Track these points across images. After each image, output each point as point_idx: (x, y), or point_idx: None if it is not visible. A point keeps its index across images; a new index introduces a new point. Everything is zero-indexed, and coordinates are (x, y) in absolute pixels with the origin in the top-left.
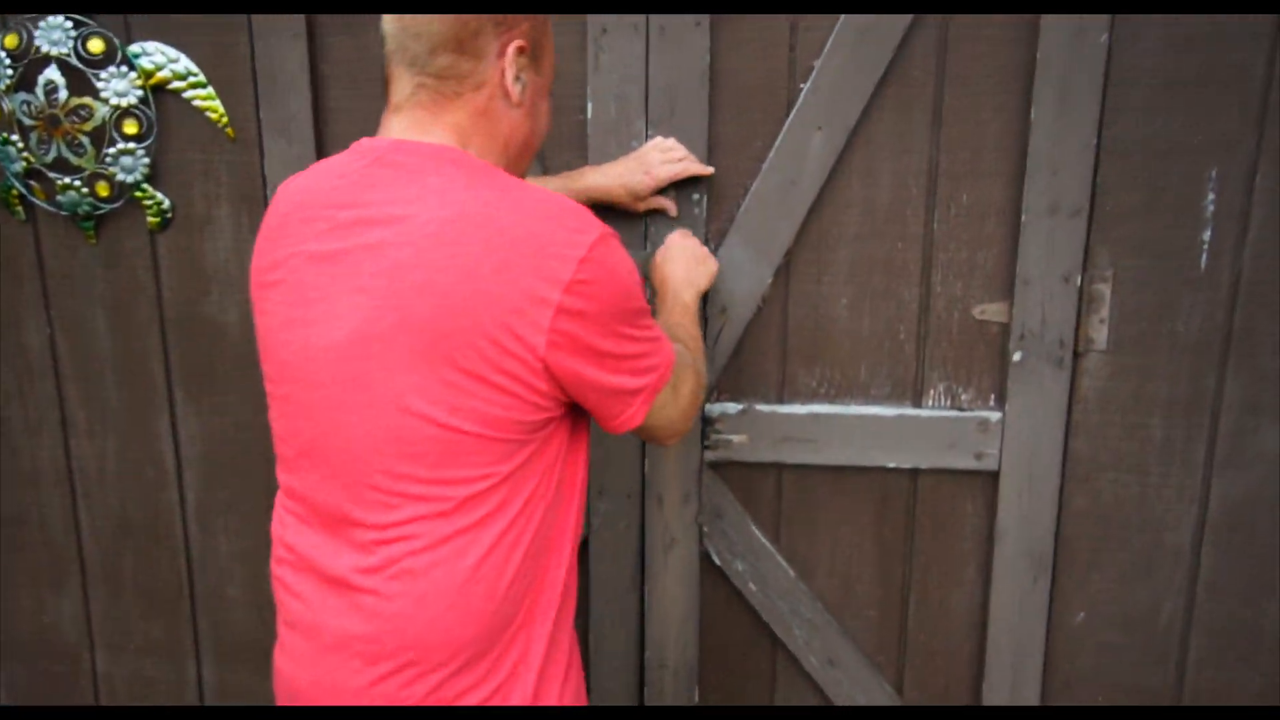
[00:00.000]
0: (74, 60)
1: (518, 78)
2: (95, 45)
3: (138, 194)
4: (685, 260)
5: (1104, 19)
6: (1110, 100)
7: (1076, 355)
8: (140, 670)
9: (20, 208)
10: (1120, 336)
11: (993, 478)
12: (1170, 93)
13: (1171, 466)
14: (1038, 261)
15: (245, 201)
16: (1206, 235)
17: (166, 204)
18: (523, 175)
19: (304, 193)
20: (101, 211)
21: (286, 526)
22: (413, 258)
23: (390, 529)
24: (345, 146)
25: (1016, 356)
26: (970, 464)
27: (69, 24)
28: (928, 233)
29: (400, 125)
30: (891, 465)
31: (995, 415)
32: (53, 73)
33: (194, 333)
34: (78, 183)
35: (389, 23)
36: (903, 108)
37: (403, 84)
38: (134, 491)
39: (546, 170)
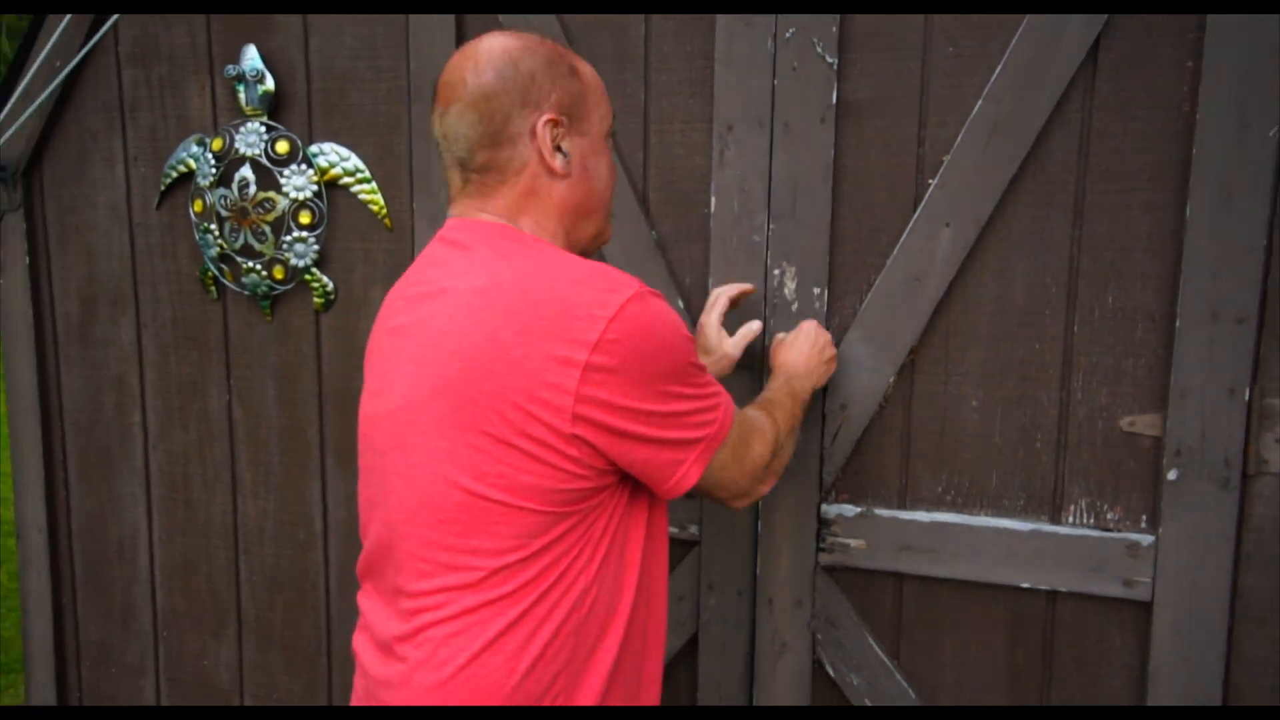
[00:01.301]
0: (264, 159)
1: (557, 149)
2: (282, 146)
3: (307, 277)
4: (809, 353)
5: (1274, 115)
6: None
7: (1246, 477)
8: None
9: (214, 288)
10: None
11: (1145, 609)
12: None
13: None
14: (1196, 371)
15: None
16: None
17: (330, 286)
18: (593, 233)
19: (403, 276)
20: (277, 292)
21: (364, 591)
22: (447, 326)
23: (422, 597)
24: None
25: (1172, 474)
26: (1118, 590)
27: (262, 128)
28: (1068, 335)
29: (457, 215)
30: (1025, 585)
31: (1147, 539)
32: (246, 170)
33: (347, 406)
34: (259, 267)
35: (435, 129)
36: (1040, 204)
37: (455, 181)
38: (287, 550)
39: (670, 265)
